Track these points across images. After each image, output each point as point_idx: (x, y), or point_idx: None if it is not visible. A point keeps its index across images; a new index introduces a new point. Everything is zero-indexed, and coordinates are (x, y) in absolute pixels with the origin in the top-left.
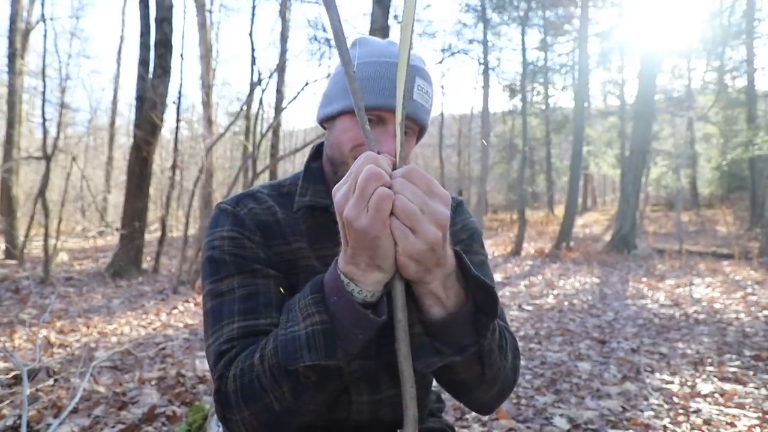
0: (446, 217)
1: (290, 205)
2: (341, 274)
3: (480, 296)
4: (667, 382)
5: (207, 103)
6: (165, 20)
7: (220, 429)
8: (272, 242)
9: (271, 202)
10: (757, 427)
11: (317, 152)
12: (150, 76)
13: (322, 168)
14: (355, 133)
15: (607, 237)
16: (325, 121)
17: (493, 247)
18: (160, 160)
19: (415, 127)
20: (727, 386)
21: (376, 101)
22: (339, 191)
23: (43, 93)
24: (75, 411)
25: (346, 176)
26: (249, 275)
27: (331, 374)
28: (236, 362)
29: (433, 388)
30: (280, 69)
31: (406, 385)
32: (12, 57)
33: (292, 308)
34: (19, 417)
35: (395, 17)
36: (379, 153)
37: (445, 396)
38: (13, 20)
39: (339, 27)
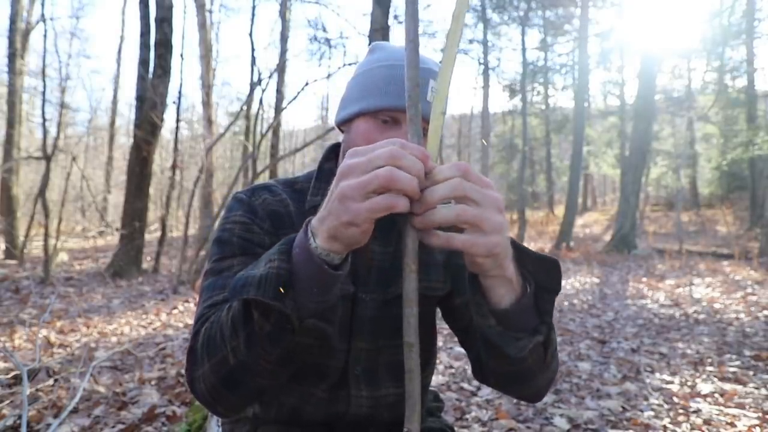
0: (502, 200)
1: (303, 201)
2: (309, 228)
3: (541, 274)
4: (667, 382)
5: (207, 103)
6: (165, 20)
7: (220, 429)
8: (281, 231)
9: (284, 195)
10: (757, 427)
11: (331, 153)
12: (150, 76)
13: (334, 168)
14: (370, 135)
15: (607, 237)
16: (342, 124)
17: None
18: (160, 160)
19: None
20: (727, 386)
21: (391, 102)
22: (353, 157)
23: (43, 93)
24: (75, 411)
25: (369, 146)
26: (251, 257)
27: (283, 326)
28: (210, 319)
29: (431, 388)
30: (280, 69)
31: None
32: (12, 57)
33: (260, 258)
34: (19, 417)
35: (395, 17)
36: None
37: (444, 396)
38: (13, 20)
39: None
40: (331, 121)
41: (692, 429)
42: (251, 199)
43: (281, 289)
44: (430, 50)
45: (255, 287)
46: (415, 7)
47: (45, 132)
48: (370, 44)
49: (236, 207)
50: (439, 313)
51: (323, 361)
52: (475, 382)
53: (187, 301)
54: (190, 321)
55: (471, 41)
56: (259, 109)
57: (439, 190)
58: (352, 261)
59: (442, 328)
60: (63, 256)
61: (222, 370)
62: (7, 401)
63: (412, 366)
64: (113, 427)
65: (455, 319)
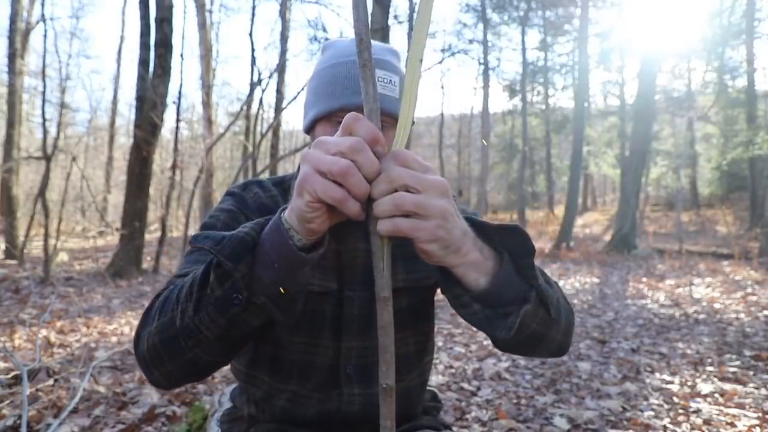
0: (446, 183)
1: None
2: (288, 205)
3: (510, 243)
4: (667, 382)
5: (207, 103)
6: (165, 20)
7: (220, 429)
8: None
9: (275, 191)
10: (757, 427)
11: None
12: (150, 76)
13: None
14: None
15: (607, 237)
16: (308, 132)
17: None
18: (160, 160)
19: (389, 119)
20: (727, 386)
21: (340, 102)
22: (330, 137)
23: (43, 93)
24: (75, 411)
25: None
26: None
27: (232, 295)
28: (176, 284)
29: (429, 387)
30: (280, 69)
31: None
32: (12, 57)
33: None
34: (19, 417)
35: (395, 17)
36: None
37: (443, 396)
38: (13, 20)
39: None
40: None
41: (692, 429)
42: (243, 192)
43: (239, 252)
44: (430, 50)
45: (215, 242)
46: None
47: (45, 132)
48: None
49: (227, 199)
50: (439, 313)
51: (311, 359)
52: (475, 382)
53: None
54: None
55: (471, 41)
56: (259, 109)
57: (379, 184)
58: (337, 259)
59: (442, 328)
60: (63, 256)
61: (166, 331)
62: (7, 401)
63: (386, 321)
64: (113, 427)
65: None
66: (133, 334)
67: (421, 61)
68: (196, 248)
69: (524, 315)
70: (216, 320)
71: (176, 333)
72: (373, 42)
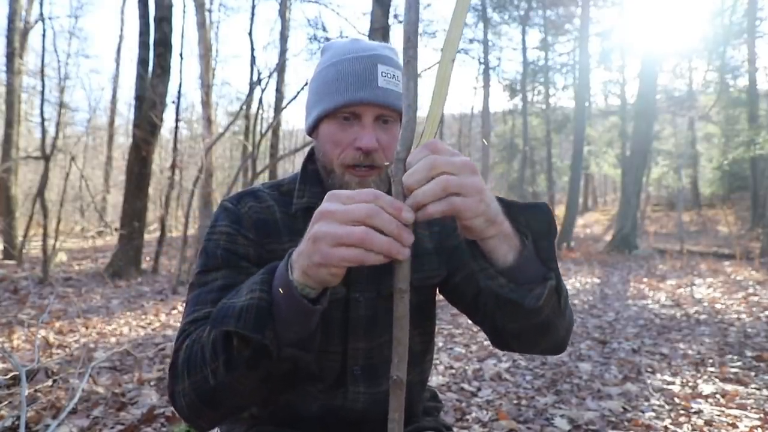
0: (473, 162)
1: (289, 204)
2: (290, 261)
3: (533, 223)
4: (668, 383)
5: (206, 103)
6: (164, 19)
7: (220, 430)
8: (266, 240)
9: (270, 201)
10: (759, 428)
11: (314, 153)
12: (149, 75)
13: (318, 170)
14: (335, 136)
15: (608, 237)
16: (311, 133)
17: None
18: (160, 159)
19: (393, 114)
20: (729, 387)
21: (344, 98)
22: (332, 202)
23: (42, 92)
24: (74, 412)
25: (349, 194)
26: (234, 270)
27: (261, 352)
28: (191, 336)
29: (429, 386)
30: (280, 68)
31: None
32: (10, 56)
33: (243, 285)
34: (18, 418)
35: (395, 16)
36: (359, 148)
37: (444, 397)
38: (11, 19)
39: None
40: None
41: (693, 430)
42: (237, 207)
43: (261, 321)
44: (430, 50)
45: (235, 319)
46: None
47: (44, 132)
48: None
49: (222, 216)
50: (439, 314)
51: (320, 365)
52: (476, 383)
53: (186, 302)
54: None
55: (471, 41)
56: (258, 109)
57: (417, 173)
58: None
59: (442, 328)
60: (62, 257)
61: (201, 389)
62: (6, 402)
63: (402, 313)
64: (112, 427)
65: (460, 297)
66: (168, 389)
67: (452, 61)
68: (199, 283)
69: (549, 289)
70: (251, 375)
71: (213, 389)
72: (370, 41)
